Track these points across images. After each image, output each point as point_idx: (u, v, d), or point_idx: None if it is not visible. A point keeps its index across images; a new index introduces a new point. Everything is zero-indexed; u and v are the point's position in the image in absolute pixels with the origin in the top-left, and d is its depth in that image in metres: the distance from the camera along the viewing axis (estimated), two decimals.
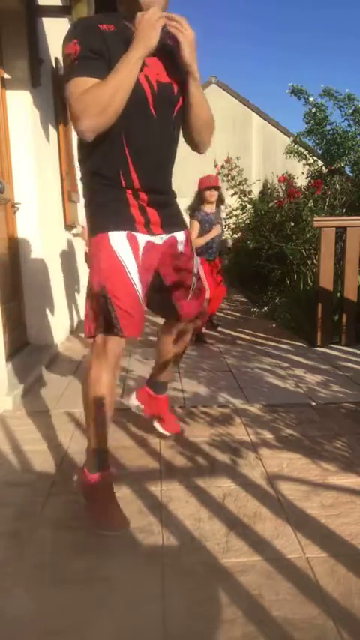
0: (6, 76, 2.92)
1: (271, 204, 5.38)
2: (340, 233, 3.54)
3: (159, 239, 1.59)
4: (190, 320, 1.82)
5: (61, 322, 3.65)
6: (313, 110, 7.22)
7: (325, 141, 7.25)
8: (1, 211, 2.81)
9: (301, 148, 7.35)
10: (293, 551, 1.31)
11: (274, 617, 1.09)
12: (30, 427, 2.15)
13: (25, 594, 1.19)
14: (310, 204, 4.81)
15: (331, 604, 1.12)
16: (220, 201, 3.83)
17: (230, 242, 5.77)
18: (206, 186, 3.67)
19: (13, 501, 1.57)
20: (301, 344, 3.57)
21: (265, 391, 2.57)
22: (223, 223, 4.33)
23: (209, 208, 3.72)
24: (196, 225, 3.65)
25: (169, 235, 1.62)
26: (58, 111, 3.78)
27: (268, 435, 2.04)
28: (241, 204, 5.58)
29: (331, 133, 7.19)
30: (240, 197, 5.50)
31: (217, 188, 3.71)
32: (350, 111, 7.12)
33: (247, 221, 5.84)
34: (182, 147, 1.67)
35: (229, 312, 5.02)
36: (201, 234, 3.65)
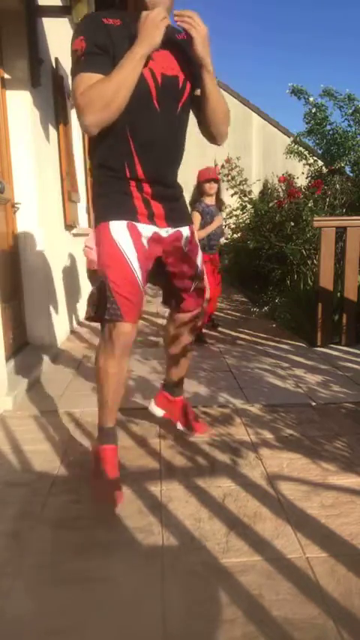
0: (6, 76, 2.92)
1: (271, 204, 5.38)
2: (340, 233, 3.54)
3: (164, 232, 1.62)
4: (190, 318, 1.82)
5: (61, 322, 3.65)
6: (313, 110, 7.22)
7: (325, 141, 7.24)
8: (1, 211, 2.81)
9: (301, 148, 7.35)
10: (293, 551, 1.31)
11: (274, 617, 1.09)
12: (30, 427, 2.15)
13: (25, 594, 1.19)
14: (310, 204, 4.81)
15: (331, 604, 1.13)
16: (220, 202, 3.81)
17: (228, 231, 5.72)
18: (205, 178, 3.62)
19: (13, 501, 1.57)
20: (301, 344, 3.57)
21: (265, 391, 2.57)
22: (224, 223, 4.32)
23: (209, 200, 3.69)
24: (197, 217, 3.59)
25: (175, 230, 1.64)
26: (58, 111, 3.78)
27: (268, 435, 2.04)
28: (241, 204, 5.57)
29: (331, 133, 7.18)
30: (240, 197, 5.49)
31: (217, 181, 3.67)
32: (350, 111, 7.11)
33: (247, 221, 5.83)
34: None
35: (229, 312, 5.02)
36: (202, 226, 3.60)
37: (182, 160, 1.67)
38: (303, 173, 6.61)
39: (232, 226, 6.15)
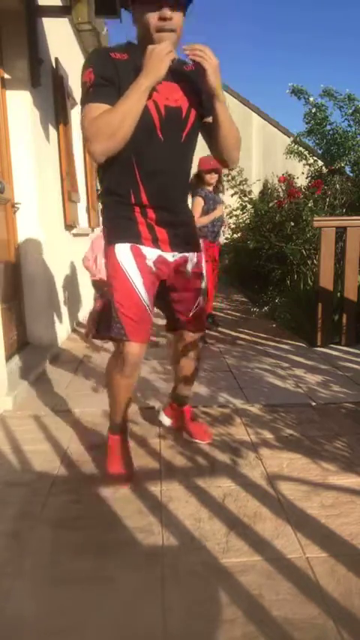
0: (6, 76, 2.92)
1: (271, 204, 5.38)
2: (340, 233, 3.54)
3: (170, 256, 1.65)
4: (191, 337, 1.85)
5: (61, 322, 3.65)
6: (313, 110, 7.21)
7: (325, 141, 7.24)
8: (1, 211, 2.81)
9: (301, 148, 7.34)
10: (293, 551, 1.31)
11: (274, 617, 1.09)
12: (30, 427, 2.15)
13: (25, 594, 1.19)
14: (310, 204, 4.81)
15: (331, 604, 1.13)
16: (220, 184, 3.77)
17: (229, 221, 5.71)
18: (207, 168, 3.58)
19: (13, 501, 1.57)
20: (301, 344, 3.57)
21: (265, 391, 2.57)
22: (224, 216, 4.31)
23: (209, 189, 3.69)
24: (200, 202, 3.56)
25: (181, 255, 1.68)
26: (58, 111, 3.78)
27: (268, 435, 2.04)
28: (241, 204, 5.57)
29: (331, 133, 7.18)
30: (240, 197, 5.48)
31: (218, 171, 3.66)
32: (350, 111, 7.10)
33: (247, 221, 5.83)
34: None
35: (229, 312, 5.02)
36: (205, 211, 3.59)
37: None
38: (303, 173, 6.60)
39: (232, 226, 6.15)
